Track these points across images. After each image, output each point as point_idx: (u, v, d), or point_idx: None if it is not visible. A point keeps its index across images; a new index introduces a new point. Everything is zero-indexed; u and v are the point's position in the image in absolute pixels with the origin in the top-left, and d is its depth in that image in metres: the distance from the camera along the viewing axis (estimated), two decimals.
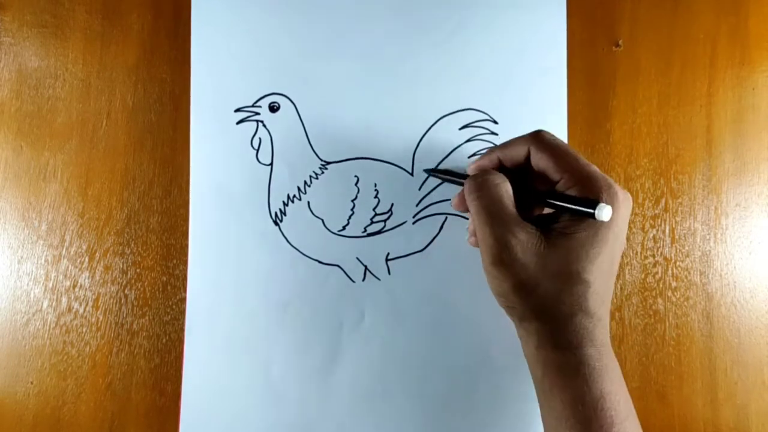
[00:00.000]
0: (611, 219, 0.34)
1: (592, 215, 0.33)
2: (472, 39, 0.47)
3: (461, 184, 0.40)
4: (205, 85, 0.46)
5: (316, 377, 0.45)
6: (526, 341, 0.38)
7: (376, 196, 0.46)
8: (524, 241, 0.35)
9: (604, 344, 0.35)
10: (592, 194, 0.34)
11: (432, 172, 0.45)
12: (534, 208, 0.40)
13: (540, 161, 0.37)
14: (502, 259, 0.35)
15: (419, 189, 0.46)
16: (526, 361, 0.38)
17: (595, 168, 0.36)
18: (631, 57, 0.48)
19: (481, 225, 0.36)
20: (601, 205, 0.33)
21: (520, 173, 0.39)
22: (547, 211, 0.40)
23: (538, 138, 0.38)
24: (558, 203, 0.36)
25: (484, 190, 0.37)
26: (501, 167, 0.40)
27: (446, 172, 0.44)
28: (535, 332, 0.36)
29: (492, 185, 0.37)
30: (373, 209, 0.46)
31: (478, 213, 0.36)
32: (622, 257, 0.46)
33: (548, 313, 0.35)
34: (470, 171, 0.41)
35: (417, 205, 0.46)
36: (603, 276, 0.35)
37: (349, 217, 0.46)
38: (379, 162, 0.46)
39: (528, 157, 0.38)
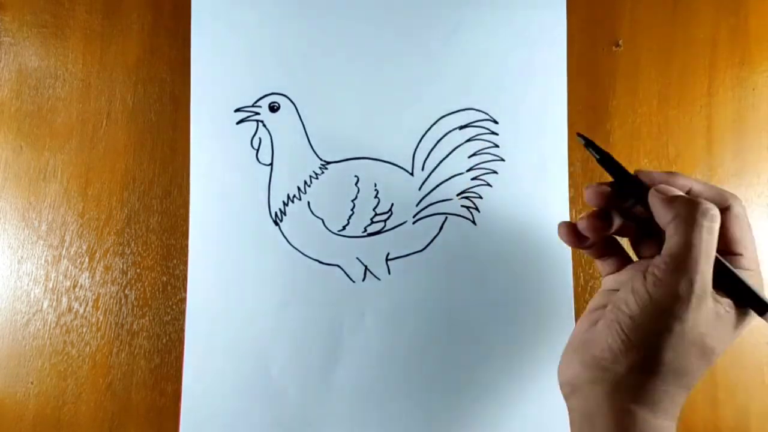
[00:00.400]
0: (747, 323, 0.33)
1: (761, 313, 0.32)
2: (472, 38, 0.47)
3: (623, 183, 0.36)
4: (205, 85, 0.46)
5: (316, 377, 0.45)
6: (659, 406, 0.33)
7: (376, 196, 0.46)
8: (708, 296, 0.32)
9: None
10: (758, 288, 0.33)
11: (595, 149, 0.37)
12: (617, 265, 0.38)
13: (734, 227, 0.34)
14: (698, 297, 0.31)
15: (419, 189, 0.46)
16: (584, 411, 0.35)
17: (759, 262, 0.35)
18: (631, 57, 0.48)
19: (689, 252, 0.31)
20: None
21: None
22: None
23: (739, 203, 0.34)
24: (742, 279, 0.33)
25: (716, 225, 0.32)
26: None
27: (611, 161, 0.37)
28: (665, 394, 0.33)
29: (713, 221, 0.32)
30: (373, 209, 0.46)
31: (709, 245, 0.31)
32: None
33: (685, 379, 0.33)
34: (684, 191, 0.35)
35: (417, 205, 0.46)
36: (710, 365, 0.33)
37: (349, 217, 0.46)
38: (379, 162, 0.46)
39: (723, 212, 0.34)
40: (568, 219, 0.46)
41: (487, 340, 0.45)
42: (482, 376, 0.45)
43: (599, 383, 0.33)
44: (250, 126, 0.46)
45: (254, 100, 0.46)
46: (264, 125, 0.46)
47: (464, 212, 0.46)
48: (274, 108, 0.46)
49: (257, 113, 0.46)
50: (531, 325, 0.45)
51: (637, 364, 0.32)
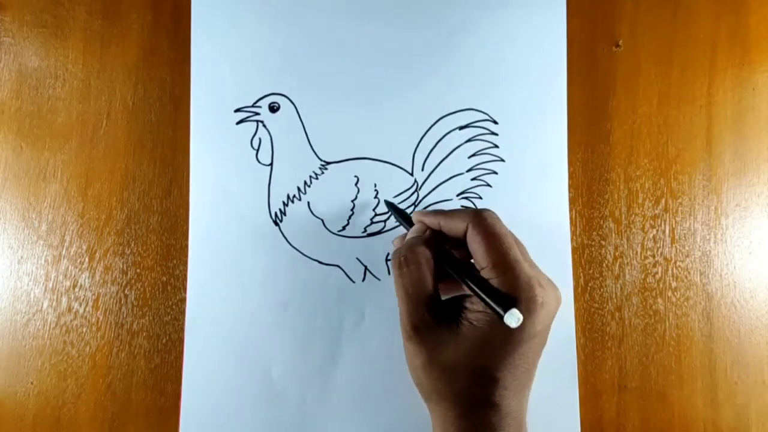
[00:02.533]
0: (525, 323, 0.33)
1: (501, 316, 0.32)
2: (472, 39, 0.47)
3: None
4: (205, 85, 0.46)
5: (316, 377, 0.45)
6: (434, 423, 0.38)
7: (376, 196, 0.46)
8: (436, 324, 0.35)
9: None
10: (511, 292, 0.33)
11: (390, 205, 0.45)
12: (456, 284, 0.39)
13: (473, 242, 0.35)
14: (412, 336, 0.35)
15: (419, 189, 0.46)
16: None
17: (524, 266, 0.34)
18: (631, 57, 0.48)
19: (399, 299, 0.36)
20: (512, 311, 0.32)
21: (460, 243, 0.37)
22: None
23: (479, 218, 0.36)
24: (474, 289, 0.34)
25: (405, 268, 0.36)
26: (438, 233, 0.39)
27: (401, 213, 0.43)
28: (440, 415, 0.36)
29: (414, 264, 0.36)
30: (373, 209, 0.46)
31: (398, 288, 0.36)
32: (621, 257, 0.46)
33: (454, 400, 0.35)
34: (408, 234, 0.40)
35: (417, 205, 0.46)
36: (515, 372, 0.34)
37: (349, 217, 0.46)
38: (379, 162, 0.46)
39: (465, 234, 0.37)
40: (567, 219, 0.46)
41: None
42: None
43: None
44: (250, 126, 0.46)
45: (254, 101, 0.46)
46: (264, 125, 0.46)
47: None
48: (274, 108, 0.46)
49: (257, 113, 0.46)
50: None
51: (431, 396, 0.37)
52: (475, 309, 0.35)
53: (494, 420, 0.34)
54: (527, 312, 0.33)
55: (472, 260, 0.37)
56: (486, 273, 0.35)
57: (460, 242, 0.37)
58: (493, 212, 0.37)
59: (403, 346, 0.37)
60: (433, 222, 0.39)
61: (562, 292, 0.45)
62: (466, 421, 0.35)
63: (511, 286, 0.34)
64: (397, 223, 0.46)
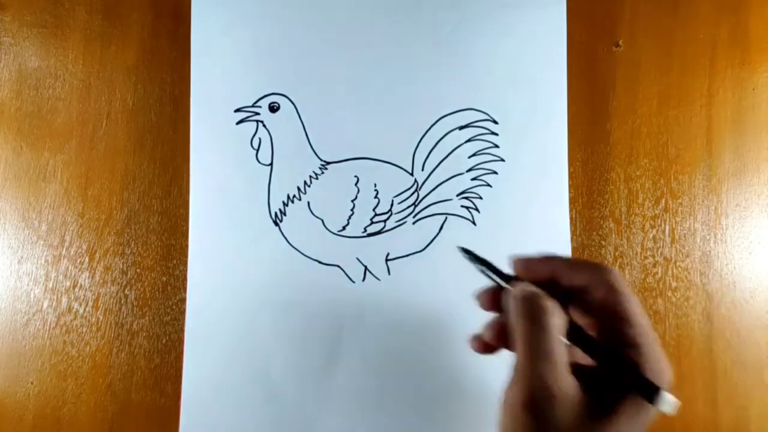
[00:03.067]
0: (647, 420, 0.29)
1: (650, 400, 0.28)
2: (472, 39, 0.47)
3: (499, 282, 0.33)
4: (205, 86, 0.46)
5: (316, 377, 0.45)
6: None
7: (376, 196, 0.46)
8: (567, 396, 0.29)
9: None
10: (653, 374, 0.29)
11: (470, 256, 0.35)
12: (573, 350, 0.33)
13: (612, 304, 0.30)
14: (539, 405, 0.29)
15: (419, 189, 0.46)
16: None
17: (658, 347, 0.30)
18: (631, 57, 0.48)
19: (525, 357, 0.30)
20: (667, 395, 0.28)
21: (563, 296, 0.32)
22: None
23: (612, 274, 0.31)
24: (621, 375, 0.29)
25: (538, 318, 0.30)
26: (548, 283, 0.32)
27: (487, 264, 0.34)
28: None
29: (549, 317, 0.30)
30: (373, 209, 0.46)
31: (528, 343, 0.30)
32: (621, 257, 0.46)
33: None
34: (519, 288, 0.32)
35: (417, 206, 0.46)
36: None
37: (349, 218, 0.46)
38: (379, 162, 0.46)
39: (586, 287, 0.32)
40: (567, 219, 0.46)
41: None
42: (482, 376, 0.45)
43: None
44: (250, 126, 0.46)
45: (254, 101, 0.46)
46: (264, 125, 0.46)
47: (464, 212, 0.46)
48: (274, 108, 0.46)
49: (257, 113, 0.46)
50: None
51: None
52: (600, 384, 0.30)
53: None
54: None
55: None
56: (631, 337, 0.30)
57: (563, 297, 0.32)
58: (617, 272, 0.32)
59: (506, 411, 0.30)
60: (544, 270, 0.33)
61: None
62: None
63: (654, 367, 0.29)
64: (397, 224, 0.46)
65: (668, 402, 0.28)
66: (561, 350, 0.29)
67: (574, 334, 0.31)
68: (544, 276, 0.33)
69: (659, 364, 0.30)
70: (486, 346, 0.34)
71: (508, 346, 0.33)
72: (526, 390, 0.29)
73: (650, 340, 0.30)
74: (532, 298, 0.31)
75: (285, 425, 0.44)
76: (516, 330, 0.31)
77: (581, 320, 0.32)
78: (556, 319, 0.30)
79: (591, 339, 0.30)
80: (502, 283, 0.33)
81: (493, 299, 0.33)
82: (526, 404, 0.29)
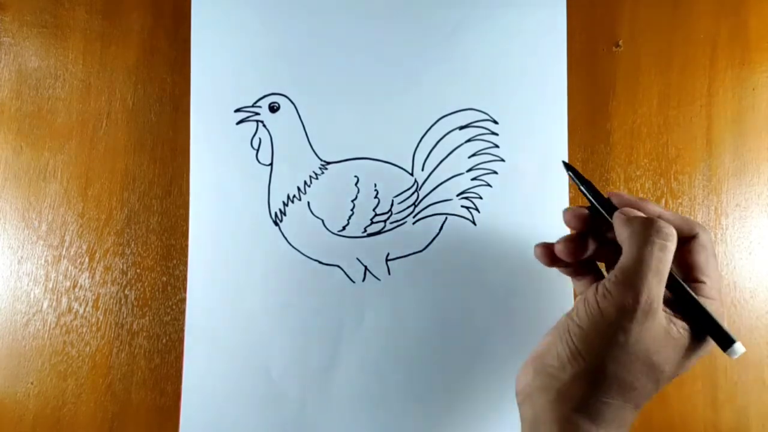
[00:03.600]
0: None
1: (723, 348, 0.33)
2: (472, 39, 0.47)
3: (594, 202, 0.37)
4: (205, 85, 0.46)
5: (316, 377, 0.45)
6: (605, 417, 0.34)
7: (376, 196, 0.46)
8: (660, 314, 0.32)
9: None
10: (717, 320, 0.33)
11: (574, 173, 0.39)
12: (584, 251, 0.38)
13: (698, 255, 0.35)
14: (641, 312, 0.31)
15: (419, 189, 0.46)
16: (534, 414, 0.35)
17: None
18: (631, 57, 0.48)
19: (639, 268, 0.32)
20: (739, 344, 0.32)
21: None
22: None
23: (707, 233, 0.36)
24: (706, 314, 0.33)
25: (670, 243, 0.32)
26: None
27: (588, 184, 0.38)
28: (617, 411, 0.33)
29: (670, 242, 0.33)
30: (373, 209, 0.46)
31: (660, 261, 0.32)
32: None
33: (634, 396, 0.33)
34: (642, 208, 0.36)
35: (417, 206, 0.46)
36: (659, 386, 0.34)
37: (349, 218, 0.46)
38: (379, 162, 0.46)
39: (688, 240, 0.35)
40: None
41: (487, 340, 0.45)
42: (482, 377, 0.45)
43: (546, 391, 0.34)
44: (250, 126, 0.46)
45: (254, 101, 0.46)
46: (264, 125, 0.46)
47: (464, 212, 0.46)
48: (274, 108, 0.46)
49: (257, 113, 0.46)
50: (531, 326, 0.45)
51: (581, 374, 0.33)
52: (679, 318, 0.33)
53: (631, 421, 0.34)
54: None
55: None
56: (705, 290, 0.35)
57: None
58: None
59: (603, 300, 0.32)
60: (654, 211, 0.36)
61: (563, 293, 0.45)
62: (626, 414, 0.34)
63: (718, 312, 0.34)
64: (397, 224, 0.46)
65: (738, 351, 0.32)
66: (666, 275, 0.32)
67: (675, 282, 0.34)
68: (655, 215, 0.35)
69: (722, 320, 0.33)
70: (551, 256, 0.38)
71: (574, 262, 0.38)
72: (633, 296, 0.31)
73: (720, 299, 0.34)
74: (656, 220, 0.33)
75: (285, 425, 0.44)
76: (653, 250, 0.32)
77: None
78: (672, 245, 0.33)
79: (680, 282, 0.34)
80: (597, 205, 0.37)
81: (579, 217, 0.37)
82: (626, 309, 0.31)
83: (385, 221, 0.46)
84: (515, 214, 0.46)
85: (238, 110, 0.46)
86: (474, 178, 0.46)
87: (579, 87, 0.47)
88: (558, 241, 0.37)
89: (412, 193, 0.46)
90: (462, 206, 0.46)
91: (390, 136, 0.46)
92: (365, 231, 0.46)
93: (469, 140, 0.46)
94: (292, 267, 0.45)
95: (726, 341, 0.33)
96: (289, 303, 0.45)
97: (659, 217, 0.35)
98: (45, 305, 0.46)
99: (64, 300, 0.46)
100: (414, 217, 0.46)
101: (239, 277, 0.45)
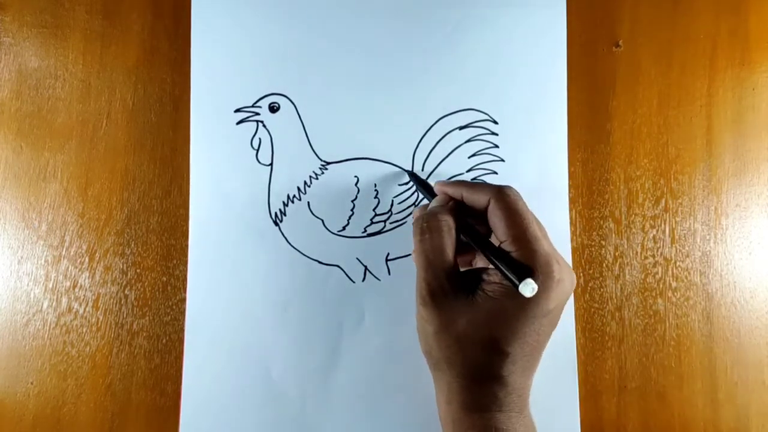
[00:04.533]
0: (540, 297, 0.33)
1: (516, 285, 0.33)
2: (472, 39, 0.47)
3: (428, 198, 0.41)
4: (205, 85, 0.46)
5: (316, 377, 0.45)
6: (438, 392, 0.38)
7: (376, 197, 0.46)
8: (453, 293, 0.35)
9: (516, 411, 0.35)
10: (526, 264, 0.34)
11: (412, 175, 0.45)
12: (474, 256, 0.40)
13: (494, 217, 0.36)
14: (427, 302, 0.36)
15: (419, 189, 0.46)
16: (438, 413, 0.38)
17: (542, 243, 0.35)
18: (631, 57, 0.48)
19: (418, 265, 0.37)
20: (528, 280, 0.32)
21: (479, 217, 0.38)
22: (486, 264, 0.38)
23: (501, 193, 0.37)
24: (491, 259, 0.35)
25: (427, 234, 0.37)
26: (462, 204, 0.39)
27: (423, 183, 0.44)
28: (446, 385, 0.36)
29: (436, 231, 0.36)
30: (373, 209, 0.46)
31: (418, 255, 0.37)
32: (621, 257, 0.46)
33: (461, 371, 0.35)
34: (431, 204, 0.40)
35: (417, 205, 0.46)
36: (526, 348, 0.34)
37: (349, 218, 0.46)
38: (379, 162, 0.46)
39: (485, 209, 0.37)
40: (567, 219, 0.46)
41: None
42: None
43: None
44: (250, 126, 0.46)
45: (254, 101, 0.46)
46: (264, 125, 0.46)
47: None
48: (274, 108, 0.46)
49: (257, 113, 0.46)
50: None
51: (439, 365, 0.37)
52: (492, 281, 0.36)
53: (500, 395, 0.34)
54: (543, 287, 0.33)
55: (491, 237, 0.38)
56: (505, 246, 0.35)
57: (480, 216, 0.38)
58: (515, 189, 0.37)
59: (417, 313, 0.37)
60: (455, 193, 0.39)
61: None
62: (471, 393, 0.35)
63: (529, 260, 0.34)
64: (397, 224, 0.46)
65: (529, 285, 0.32)
66: (446, 259, 0.36)
67: (471, 236, 0.37)
68: (457, 197, 0.39)
69: (535, 257, 0.34)
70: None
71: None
72: (420, 292, 0.36)
73: (523, 245, 0.35)
74: (419, 218, 0.38)
75: (285, 425, 0.44)
76: (414, 245, 0.38)
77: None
78: (443, 234, 0.36)
79: (478, 240, 0.36)
80: (429, 199, 0.41)
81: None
82: (421, 302, 0.36)
83: (385, 221, 0.46)
84: None
85: (238, 110, 0.46)
86: (474, 178, 0.46)
87: (579, 87, 0.47)
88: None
89: (412, 193, 0.46)
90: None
91: (390, 136, 0.46)
92: (365, 231, 0.46)
93: (469, 140, 0.46)
94: (292, 267, 0.45)
95: (519, 276, 0.33)
96: (289, 303, 0.45)
97: (442, 192, 0.40)
98: (45, 305, 0.46)
99: (64, 300, 0.46)
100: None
101: (239, 277, 0.45)
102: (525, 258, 0.34)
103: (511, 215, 0.36)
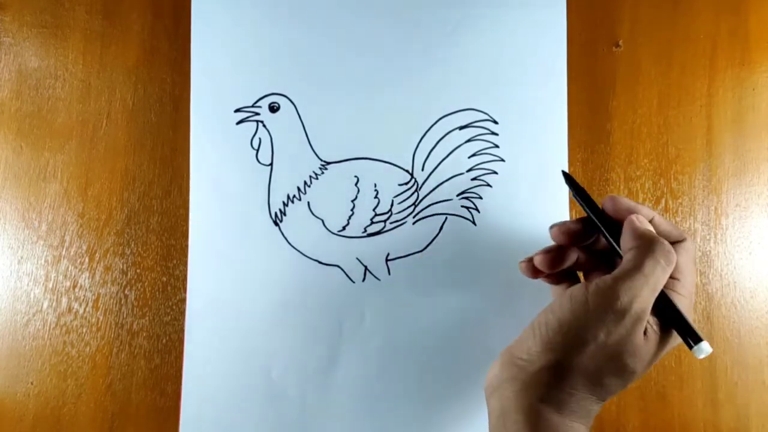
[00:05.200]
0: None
1: (690, 346, 0.34)
2: (472, 39, 0.47)
3: (590, 214, 0.39)
4: (205, 85, 0.46)
5: (316, 377, 0.45)
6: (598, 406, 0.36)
7: (376, 196, 0.46)
8: (644, 327, 0.34)
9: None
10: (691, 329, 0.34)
11: (571, 182, 0.41)
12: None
13: (680, 257, 0.36)
14: (632, 317, 0.33)
15: (419, 189, 0.46)
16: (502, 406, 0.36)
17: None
18: (631, 57, 0.48)
19: (643, 284, 0.33)
20: (705, 343, 0.33)
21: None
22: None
23: (693, 243, 0.37)
24: (679, 313, 0.35)
25: (672, 267, 0.35)
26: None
27: (583, 194, 0.40)
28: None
29: (670, 262, 0.35)
30: (373, 209, 0.46)
31: (658, 281, 0.34)
32: None
33: (578, 378, 0.34)
34: (646, 228, 0.37)
35: (417, 205, 0.46)
36: (627, 385, 0.35)
37: (349, 218, 0.46)
38: (379, 162, 0.46)
39: (674, 244, 0.37)
40: (568, 219, 0.46)
41: (487, 340, 0.45)
42: (482, 377, 0.45)
43: (512, 382, 0.35)
44: (250, 126, 0.46)
45: (254, 101, 0.46)
46: (264, 125, 0.46)
47: (464, 212, 0.46)
48: (274, 108, 0.46)
49: (257, 113, 0.46)
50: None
51: (548, 365, 0.34)
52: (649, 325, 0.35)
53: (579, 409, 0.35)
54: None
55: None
56: (679, 287, 0.36)
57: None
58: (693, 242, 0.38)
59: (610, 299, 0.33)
60: (648, 215, 0.37)
61: None
62: (591, 405, 0.35)
63: (689, 309, 0.36)
64: (397, 224, 0.46)
65: (704, 350, 0.33)
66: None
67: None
68: (647, 222, 0.37)
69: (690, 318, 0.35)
70: (534, 269, 0.39)
71: (553, 273, 0.39)
72: (627, 301, 0.33)
73: (690, 301, 0.36)
74: (664, 243, 0.35)
75: (285, 425, 0.44)
76: (639, 255, 0.34)
77: None
78: (671, 269, 0.34)
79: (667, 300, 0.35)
80: (592, 216, 0.39)
81: (566, 233, 0.39)
82: (616, 310, 0.33)
83: (385, 221, 0.46)
84: (515, 214, 0.46)
85: (238, 110, 0.46)
86: (474, 178, 0.46)
87: (579, 87, 0.47)
88: (537, 253, 0.39)
89: (412, 193, 0.46)
90: (462, 206, 0.46)
91: (390, 136, 0.46)
92: (365, 231, 0.46)
93: (469, 140, 0.46)
94: (292, 267, 0.45)
95: (693, 339, 0.34)
96: (289, 303, 0.45)
97: (653, 221, 0.37)
98: (45, 305, 0.46)
99: (64, 300, 0.46)
100: (414, 217, 0.46)
101: (239, 277, 0.45)
102: (688, 310, 0.36)
103: (692, 266, 0.37)
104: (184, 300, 0.45)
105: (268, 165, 0.46)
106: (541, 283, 0.45)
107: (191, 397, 0.44)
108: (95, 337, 0.46)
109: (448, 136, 0.46)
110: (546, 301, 0.45)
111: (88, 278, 0.46)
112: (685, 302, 0.35)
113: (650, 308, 0.34)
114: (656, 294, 0.34)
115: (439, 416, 0.45)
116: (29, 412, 0.45)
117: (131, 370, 0.45)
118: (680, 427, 0.45)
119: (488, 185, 0.46)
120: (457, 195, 0.46)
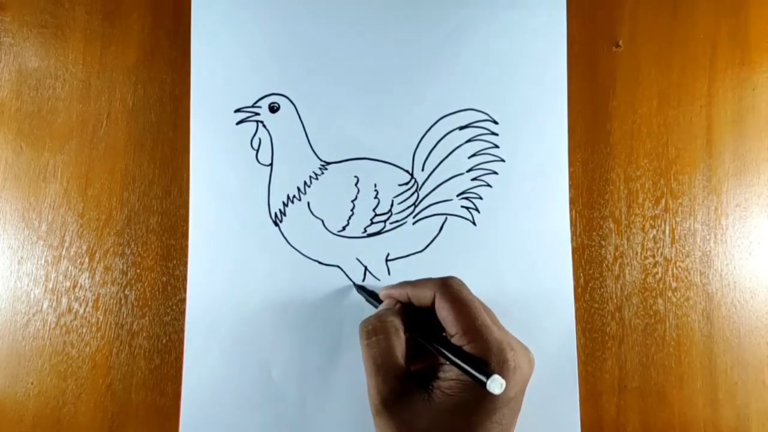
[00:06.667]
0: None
1: (483, 384, 0.31)
2: (472, 39, 0.47)
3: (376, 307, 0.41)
4: (205, 85, 0.46)
5: (316, 377, 0.45)
6: None
7: (376, 197, 0.46)
8: (406, 396, 0.34)
9: None
10: (483, 357, 0.33)
11: (360, 288, 0.45)
12: (429, 355, 0.38)
13: (442, 310, 0.36)
14: (381, 411, 0.34)
15: (419, 189, 0.46)
16: None
17: (493, 330, 0.34)
18: (631, 57, 0.48)
19: (367, 373, 0.35)
20: (495, 377, 0.31)
21: (430, 314, 0.37)
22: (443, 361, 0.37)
23: (445, 285, 0.36)
24: (449, 357, 0.34)
25: (373, 338, 0.36)
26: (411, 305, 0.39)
27: (371, 293, 0.43)
28: None
29: (383, 333, 0.36)
30: (373, 210, 0.46)
31: (366, 361, 0.35)
32: (621, 257, 0.46)
33: None
34: (379, 308, 0.39)
35: (417, 206, 0.46)
36: None
37: (349, 218, 0.46)
38: (379, 162, 0.46)
39: (432, 303, 0.37)
40: (567, 219, 0.46)
41: None
42: None
43: None
44: (250, 126, 0.46)
45: (254, 101, 0.46)
46: (264, 125, 0.46)
47: (464, 213, 0.46)
48: (274, 108, 0.46)
49: (257, 113, 0.46)
50: (531, 326, 0.45)
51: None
52: (447, 377, 0.34)
53: None
54: (502, 376, 0.32)
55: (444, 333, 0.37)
56: (457, 340, 0.34)
57: (432, 313, 0.37)
58: (459, 279, 0.37)
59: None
60: (401, 294, 0.39)
61: (563, 293, 0.45)
62: None
63: (483, 351, 0.33)
64: (397, 224, 0.46)
65: (497, 382, 0.31)
66: (396, 363, 0.35)
67: (423, 336, 0.36)
68: (404, 299, 0.39)
69: (503, 354, 0.33)
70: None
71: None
72: (372, 401, 0.34)
73: (476, 337, 0.34)
74: (364, 322, 0.37)
75: (285, 425, 0.44)
76: (361, 352, 0.36)
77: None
78: (390, 337, 0.35)
79: (431, 335, 0.36)
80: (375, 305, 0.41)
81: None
82: (375, 413, 0.34)
83: (385, 221, 0.46)
84: (515, 214, 0.46)
85: (238, 110, 0.46)
86: (474, 179, 0.46)
87: (579, 87, 0.47)
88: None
89: (412, 194, 0.46)
90: (462, 206, 0.46)
91: (390, 136, 0.46)
92: (365, 231, 0.46)
93: (469, 140, 0.46)
94: (292, 267, 0.45)
95: (482, 377, 0.31)
96: (289, 303, 0.45)
97: (388, 296, 0.40)
98: (45, 305, 0.46)
99: (64, 300, 0.46)
100: (414, 217, 0.46)
101: (239, 277, 0.45)
102: (478, 349, 0.33)
103: (458, 306, 0.35)
104: (184, 300, 0.45)
105: (268, 165, 0.46)
106: (539, 284, 0.45)
107: (191, 397, 0.44)
108: (95, 337, 0.46)
109: (448, 136, 0.46)
110: (545, 301, 0.45)
111: (88, 278, 0.46)
112: (477, 348, 0.34)
113: (389, 385, 0.34)
114: (382, 369, 0.34)
115: None
116: (29, 412, 0.45)
117: (131, 370, 0.45)
118: (680, 427, 0.45)
119: (488, 185, 0.46)
120: (457, 195, 0.46)
